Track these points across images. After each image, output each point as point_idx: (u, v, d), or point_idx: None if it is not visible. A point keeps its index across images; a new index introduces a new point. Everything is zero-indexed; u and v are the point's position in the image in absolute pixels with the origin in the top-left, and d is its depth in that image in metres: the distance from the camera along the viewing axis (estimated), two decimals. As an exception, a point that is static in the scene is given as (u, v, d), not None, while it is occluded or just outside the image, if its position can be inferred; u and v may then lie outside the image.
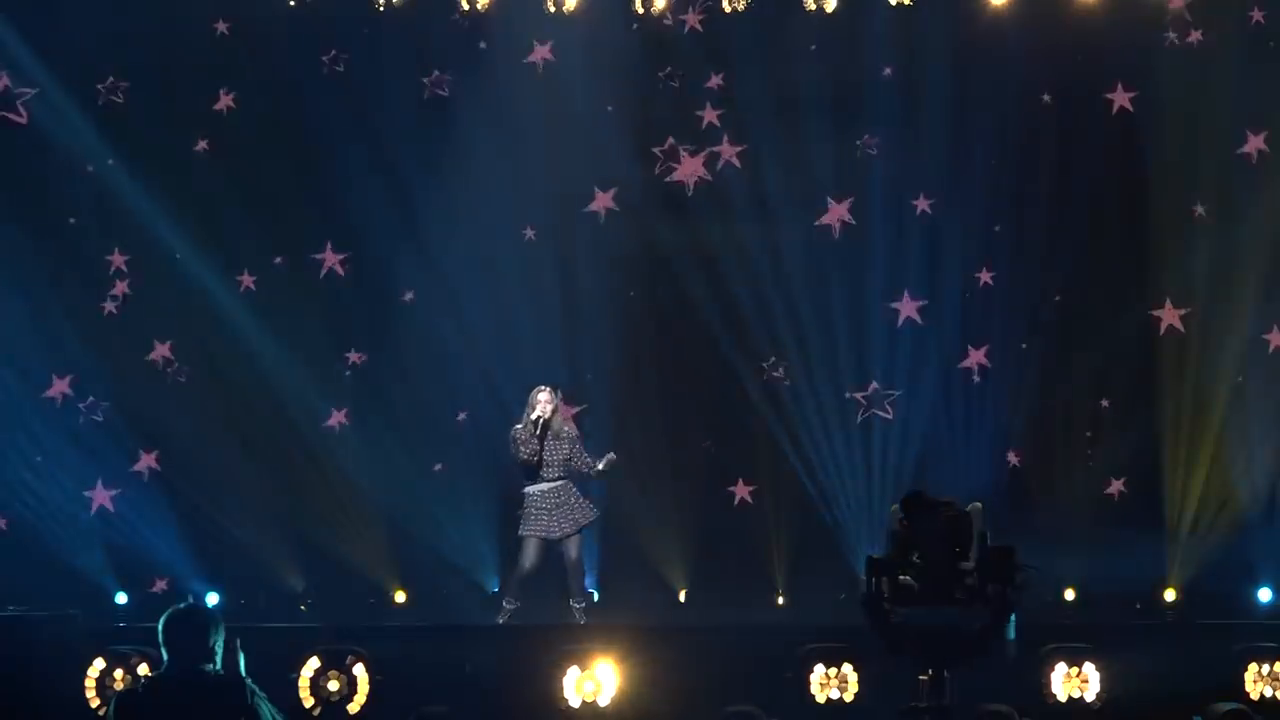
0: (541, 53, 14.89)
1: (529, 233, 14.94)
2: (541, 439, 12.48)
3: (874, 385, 14.94)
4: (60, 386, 14.80)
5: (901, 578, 6.79)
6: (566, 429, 12.68)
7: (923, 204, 14.99)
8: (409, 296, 14.94)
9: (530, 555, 12.54)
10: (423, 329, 14.88)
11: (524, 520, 12.61)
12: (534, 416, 12.51)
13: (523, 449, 12.48)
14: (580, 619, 12.44)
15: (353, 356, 14.91)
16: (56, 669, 10.83)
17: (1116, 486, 14.91)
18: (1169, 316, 14.94)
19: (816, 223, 15.00)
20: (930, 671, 6.82)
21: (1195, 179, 14.87)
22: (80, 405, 14.80)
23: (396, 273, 14.93)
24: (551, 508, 12.52)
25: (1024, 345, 14.97)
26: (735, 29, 14.70)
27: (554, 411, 12.60)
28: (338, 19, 14.81)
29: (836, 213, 15.04)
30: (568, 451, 12.55)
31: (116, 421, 14.80)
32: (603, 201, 15.00)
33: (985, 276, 15.01)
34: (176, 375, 14.84)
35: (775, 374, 14.96)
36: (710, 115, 15.03)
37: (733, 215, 14.94)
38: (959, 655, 6.92)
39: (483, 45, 14.87)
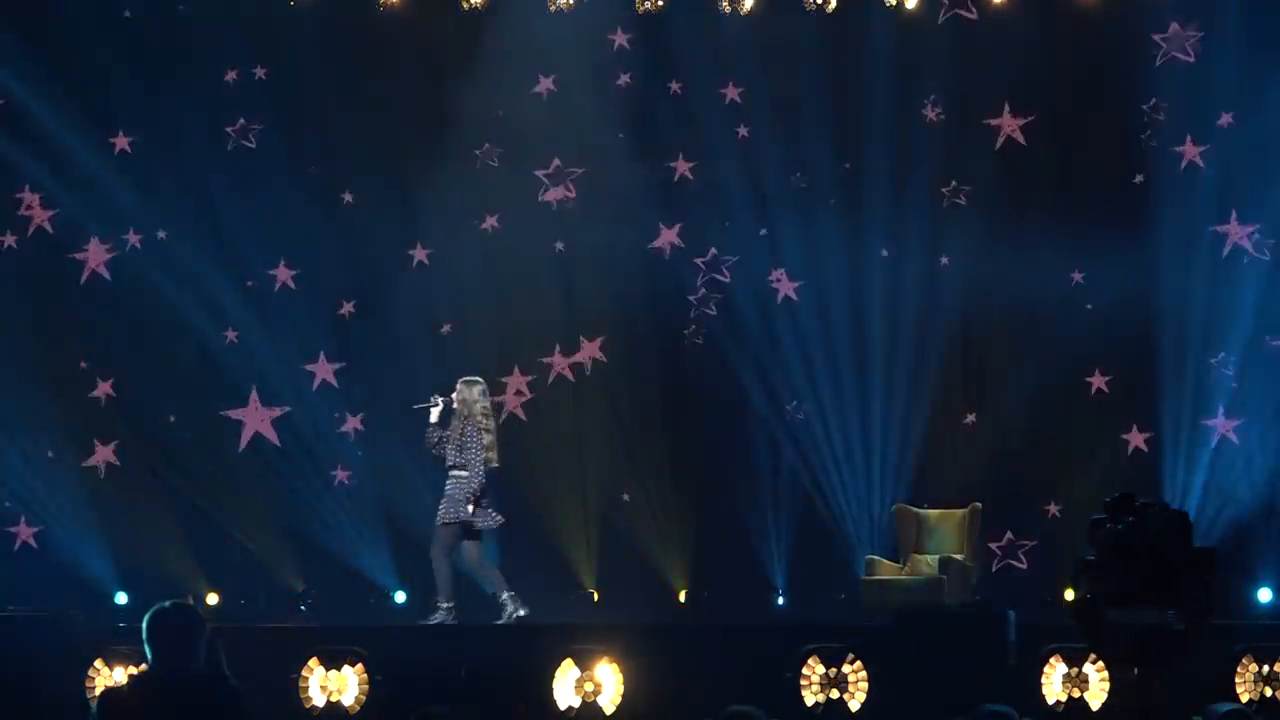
0: (540, 51, 14.89)
1: (528, 231, 14.97)
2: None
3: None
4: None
5: (1112, 580, 6.89)
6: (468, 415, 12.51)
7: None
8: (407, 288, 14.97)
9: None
10: (422, 326, 14.90)
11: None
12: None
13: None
14: (509, 616, 12.14)
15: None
16: (56, 669, 10.84)
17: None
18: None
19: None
20: (1136, 671, 6.96)
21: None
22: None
23: (392, 268, 14.94)
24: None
25: (1023, 348, 14.98)
26: (733, 30, 14.70)
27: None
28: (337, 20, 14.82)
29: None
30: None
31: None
32: (602, 202, 15.02)
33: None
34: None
35: (790, 409, 14.97)
36: (711, 111, 15.06)
37: (733, 214, 14.96)
38: (1167, 656, 7.04)
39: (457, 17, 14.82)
